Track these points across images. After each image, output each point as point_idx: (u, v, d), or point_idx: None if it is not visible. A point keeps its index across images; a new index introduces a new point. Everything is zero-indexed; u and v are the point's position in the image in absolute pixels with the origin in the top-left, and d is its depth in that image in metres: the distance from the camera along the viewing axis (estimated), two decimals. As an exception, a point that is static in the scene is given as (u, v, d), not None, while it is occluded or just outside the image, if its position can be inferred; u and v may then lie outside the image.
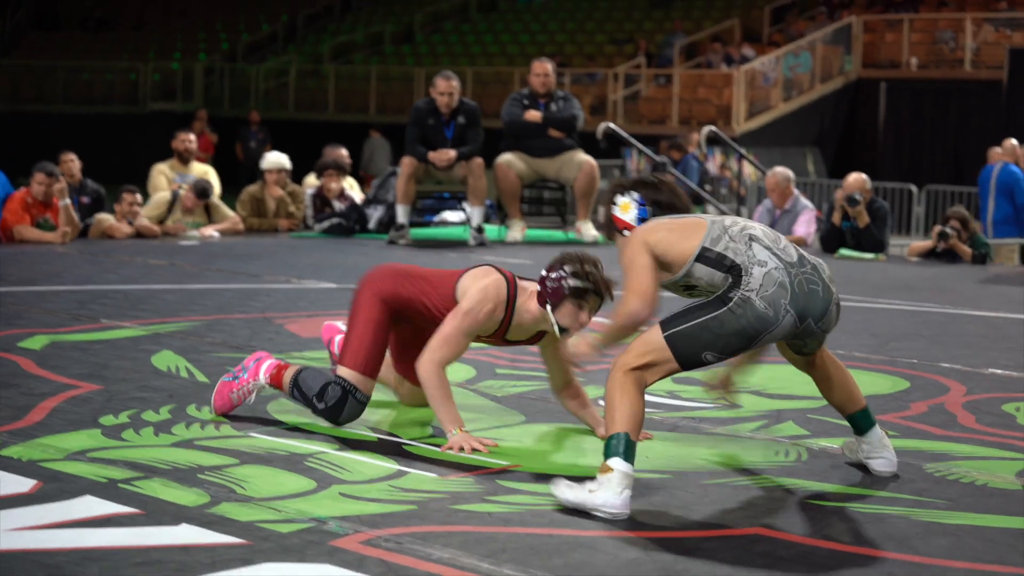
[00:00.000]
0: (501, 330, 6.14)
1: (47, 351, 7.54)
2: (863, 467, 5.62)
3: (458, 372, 7.35)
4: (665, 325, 5.14)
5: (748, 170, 21.22)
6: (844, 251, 14.22)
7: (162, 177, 15.05)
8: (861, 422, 5.62)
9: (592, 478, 4.97)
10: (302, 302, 9.72)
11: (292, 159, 15.15)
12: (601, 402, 6.17)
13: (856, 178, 14.27)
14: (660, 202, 5.52)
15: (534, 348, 6.35)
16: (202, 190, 14.24)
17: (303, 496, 5.01)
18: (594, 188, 14.30)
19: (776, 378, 7.50)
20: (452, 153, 13.55)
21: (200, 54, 37.05)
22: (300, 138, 28.04)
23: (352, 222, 14.51)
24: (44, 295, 9.68)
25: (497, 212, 15.43)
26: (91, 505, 4.78)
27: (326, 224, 14.47)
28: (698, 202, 20.04)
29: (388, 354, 6.35)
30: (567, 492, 4.98)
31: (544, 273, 5.98)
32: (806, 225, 14.98)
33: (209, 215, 14.34)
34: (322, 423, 6.13)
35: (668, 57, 29.64)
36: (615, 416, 5.06)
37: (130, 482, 5.07)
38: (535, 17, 34.69)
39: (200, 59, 36.47)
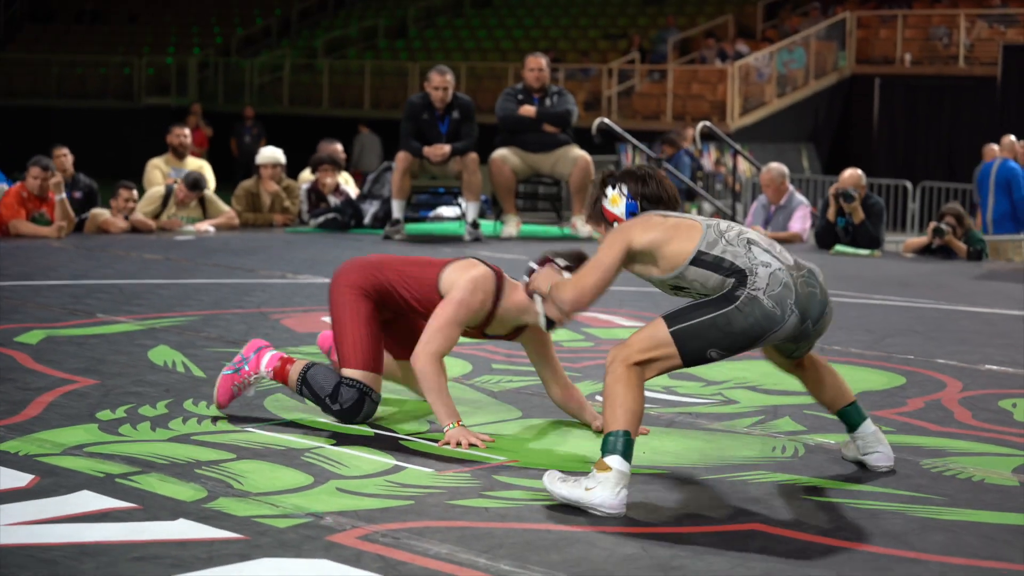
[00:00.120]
0: (484, 323, 6.14)
1: (43, 346, 7.53)
2: (861, 464, 5.62)
3: (454, 367, 7.34)
4: (671, 320, 5.14)
5: (743, 166, 21.22)
6: (839, 247, 14.22)
7: (157, 172, 15.04)
8: (852, 416, 5.62)
9: (588, 474, 4.97)
10: (297, 297, 9.71)
11: (287, 154, 15.13)
12: (599, 397, 6.18)
13: (851, 174, 14.27)
14: (648, 195, 5.53)
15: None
16: (194, 182, 14.22)
17: (300, 491, 5.01)
18: (589, 183, 14.29)
19: (772, 374, 7.49)
20: (447, 148, 13.54)
21: (194, 48, 37.01)
22: (295, 133, 28.03)
23: (347, 217, 14.50)
24: (40, 289, 9.67)
25: (492, 207, 15.42)
26: (88, 500, 4.78)
27: (321, 219, 14.46)
28: (691, 197, 20.07)
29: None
30: (561, 487, 4.98)
31: (533, 266, 5.98)
32: (801, 221, 14.98)
33: (204, 210, 14.32)
34: (320, 418, 6.13)
35: (662, 53, 29.64)
36: (616, 412, 5.05)
37: (127, 477, 5.08)
38: (529, 12, 34.69)
39: (194, 53, 36.44)
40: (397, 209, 13.77)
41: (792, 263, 5.25)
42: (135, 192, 14.10)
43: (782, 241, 14.66)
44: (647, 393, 6.64)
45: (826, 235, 14.42)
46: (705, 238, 5.22)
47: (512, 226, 14.33)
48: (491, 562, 4.29)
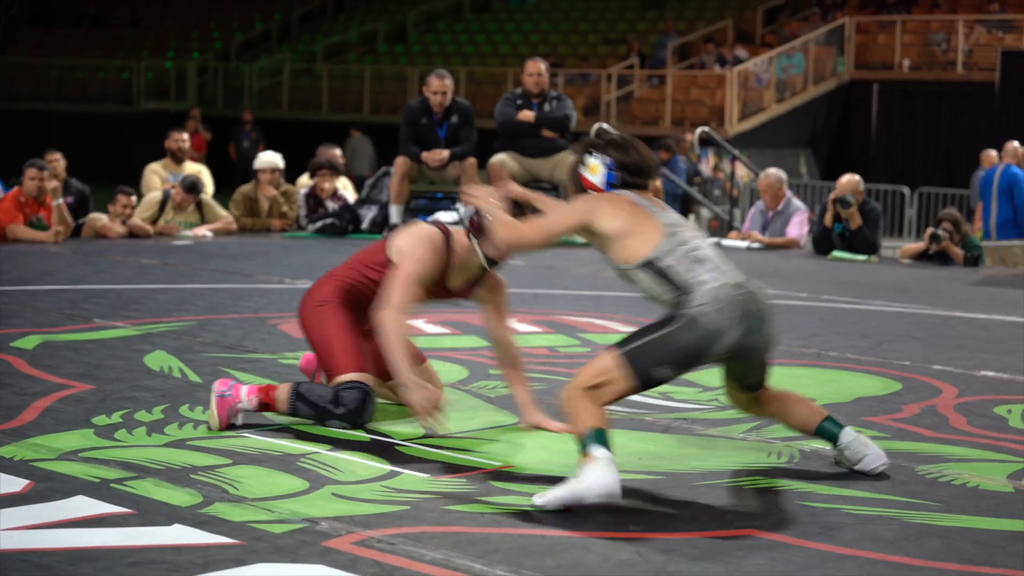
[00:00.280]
0: (443, 275, 6.20)
1: (39, 351, 7.54)
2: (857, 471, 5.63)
3: (451, 373, 7.36)
4: (618, 346, 5.23)
5: (741, 171, 21.23)
6: (836, 253, 14.23)
7: (155, 177, 15.05)
8: (830, 431, 5.63)
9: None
10: (295, 302, 9.63)
11: (285, 159, 15.14)
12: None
13: (849, 179, 14.28)
14: (629, 165, 5.57)
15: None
16: (191, 185, 14.23)
17: (296, 496, 5.02)
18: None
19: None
20: (445, 153, 13.55)
21: (193, 53, 37.02)
22: (293, 138, 28.04)
23: (345, 222, 14.51)
24: (36, 294, 9.67)
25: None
26: (84, 505, 4.78)
27: (319, 224, 14.47)
28: (687, 202, 20.09)
29: None
30: (553, 493, 4.98)
31: (469, 223, 6.11)
32: (798, 227, 15.00)
33: (202, 215, 14.33)
34: (315, 424, 6.13)
35: (661, 58, 29.66)
36: (581, 418, 5.12)
37: (123, 482, 5.08)
38: (528, 17, 34.71)
39: (193, 58, 36.46)
40: (395, 214, 13.78)
41: (736, 280, 5.31)
42: (133, 198, 14.11)
43: (780, 247, 14.69)
44: (643, 399, 6.67)
45: (823, 241, 14.43)
46: (660, 247, 5.31)
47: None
48: (487, 567, 4.30)
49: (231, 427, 6.00)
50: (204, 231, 14.09)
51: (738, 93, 26.86)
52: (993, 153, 18.96)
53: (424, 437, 6.02)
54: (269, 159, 14.90)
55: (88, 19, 39.77)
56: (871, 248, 14.22)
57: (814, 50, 27.69)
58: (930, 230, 14.38)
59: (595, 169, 5.59)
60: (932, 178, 24.13)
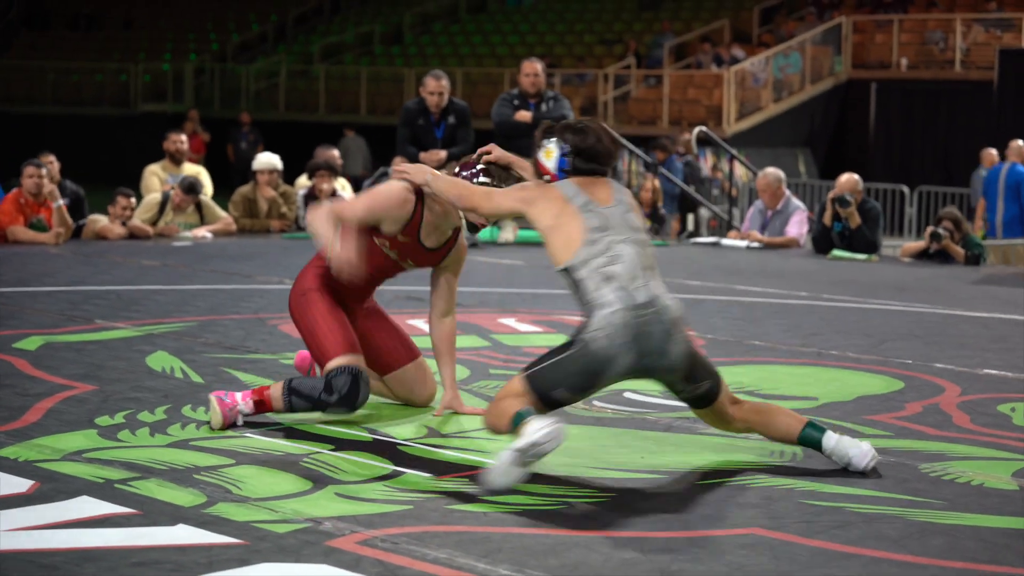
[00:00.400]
0: (415, 222, 6.19)
1: (41, 352, 7.53)
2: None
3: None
4: (525, 370, 5.46)
5: (739, 171, 21.24)
6: (836, 252, 14.24)
7: (155, 178, 15.05)
8: (813, 435, 5.63)
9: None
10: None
11: (283, 160, 15.14)
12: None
13: (848, 178, 14.29)
14: (583, 149, 5.66)
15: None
16: (189, 185, 14.23)
17: (299, 496, 5.01)
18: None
19: (769, 379, 7.52)
20: (443, 154, 13.54)
21: (190, 55, 37.02)
22: (291, 139, 28.03)
23: (344, 223, 14.47)
24: (38, 296, 9.67)
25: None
26: (88, 505, 4.78)
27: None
28: (684, 202, 20.07)
29: None
30: (500, 460, 5.10)
31: (457, 170, 6.07)
32: (798, 226, 15.00)
33: (201, 216, 14.33)
34: (319, 424, 6.13)
35: (658, 58, 29.66)
36: (503, 415, 5.34)
37: (126, 482, 5.07)
38: (524, 18, 34.71)
39: (190, 59, 36.45)
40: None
41: (642, 301, 5.39)
42: (133, 199, 14.12)
43: (779, 246, 14.69)
44: (644, 398, 6.68)
45: (823, 240, 14.44)
46: (578, 255, 5.45)
47: (509, 231, 14.34)
48: (490, 566, 4.30)
49: (233, 426, 6.00)
50: (203, 232, 14.08)
51: (735, 93, 26.87)
52: (993, 151, 18.97)
53: (426, 437, 6.01)
54: (267, 160, 14.90)
55: (84, 22, 39.76)
56: (871, 247, 14.22)
57: (811, 49, 27.69)
58: (930, 229, 14.39)
59: (549, 153, 5.70)
60: (930, 177, 24.14)
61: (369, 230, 6.18)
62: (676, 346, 5.43)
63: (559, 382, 5.38)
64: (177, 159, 15.18)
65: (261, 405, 6.08)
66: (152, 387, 6.76)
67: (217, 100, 34.63)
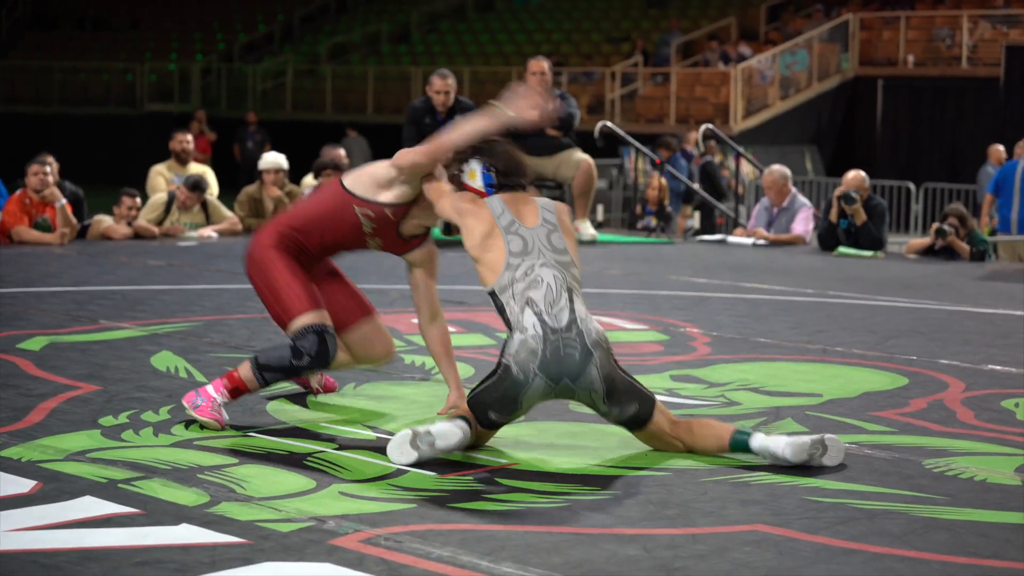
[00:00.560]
0: (410, 203, 6.18)
1: (46, 352, 7.54)
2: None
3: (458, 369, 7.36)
4: (470, 391, 5.73)
5: (746, 168, 21.23)
6: (842, 249, 14.23)
7: (160, 178, 15.06)
8: (744, 441, 5.64)
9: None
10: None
11: (290, 159, 15.14)
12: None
13: (855, 175, 14.27)
14: (499, 168, 5.86)
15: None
16: (194, 183, 14.24)
17: (303, 495, 5.02)
18: (592, 187, 14.28)
19: (774, 376, 7.52)
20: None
21: (197, 54, 37.05)
22: (298, 138, 28.05)
23: (350, 222, 14.48)
24: (42, 296, 9.68)
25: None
26: (91, 505, 4.78)
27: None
28: (688, 199, 20.06)
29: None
30: (401, 434, 5.42)
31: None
32: (804, 223, 14.99)
33: (207, 216, 14.33)
34: (322, 423, 6.14)
35: (665, 56, 29.65)
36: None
37: (130, 482, 5.08)
38: (532, 16, 34.71)
39: (197, 59, 36.48)
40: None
41: (561, 325, 5.56)
42: (138, 199, 14.13)
43: (785, 243, 14.68)
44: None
45: (829, 237, 14.42)
46: (500, 280, 5.65)
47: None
48: (493, 564, 4.30)
49: (246, 425, 6.01)
50: (209, 232, 14.09)
51: (742, 90, 26.85)
52: (1000, 148, 18.93)
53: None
54: (273, 160, 14.91)
55: (90, 22, 39.80)
56: (876, 244, 14.21)
57: (818, 47, 27.67)
58: (936, 225, 14.37)
59: (473, 175, 5.90)
60: (937, 173, 24.11)
61: (352, 198, 6.16)
62: (594, 369, 5.55)
63: (490, 406, 5.60)
64: (183, 159, 15.19)
65: (236, 392, 6.06)
66: (156, 387, 6.77)
67: (224, 100, 34.66)
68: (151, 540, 4.44)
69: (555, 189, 14.91)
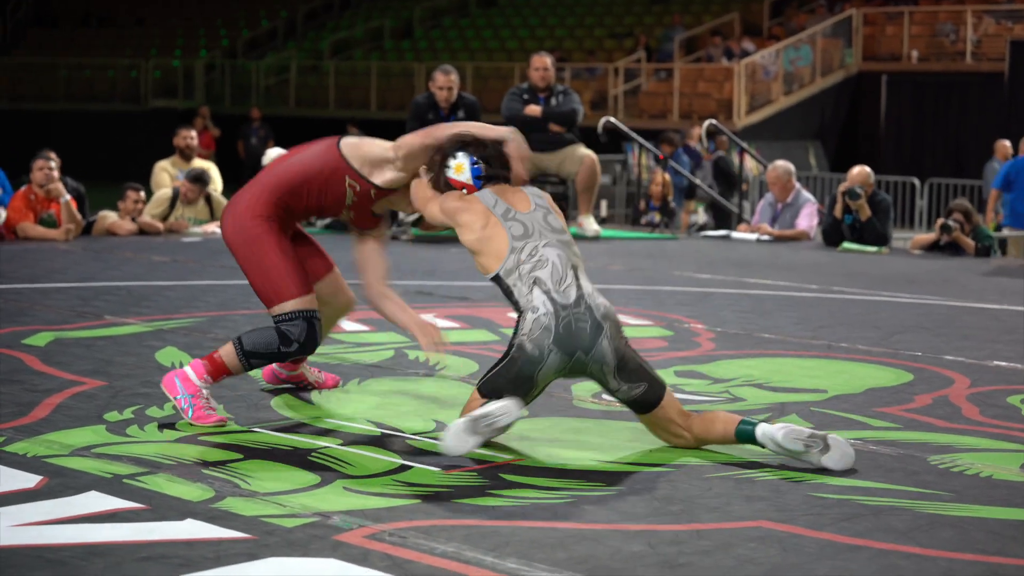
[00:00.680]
0: (389, 192, 6.18)
1: (51, 348, 7.55)
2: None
3: (460, 366, 7.37)
4: (480, 378, 5.75)
5: (750, 164, 21.22)
6: (846, 244, 14.22)
7: (164, 174, 15.07)
8: (748, 432, 5.64)
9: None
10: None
11: (294, 155, 15.10)
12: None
13: (860, 171, 14.26)
14: (488, 157, 5.88)
15: None
16: (196, 176, 14.25)
17: (307, 491, 5.02)
18: (595, 182, 14.29)
19: (779, 371, 7.52)
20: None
21: (201, 51, 37.05)
22: (301, 134, 27.93)
23: (354, 218, 14.48)
24: (48, 292, 9.69)
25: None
26: (96, 500, 4.79)
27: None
28: (691, 194, 20.05)
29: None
30: (456, 425, 5.39)
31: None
32: (808, 218, 14.99)
33: (212, 212, 14.34)
34: (327, 418, 6.14)
35: (668, 51, 29.65)
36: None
37: (135, 477, 5.08)
38: (534, 12, 34.70)
39: (201, 56, 36.49)
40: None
41: (570, 301, 5.61)
42: (143, 194, 14.14)
43: (790, 239, 14.67)
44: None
45: (833, 232, 14.41)
46: (505, 264, 5.68)
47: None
48: (498, 560, 4.30)
49: (250, 420, 6.02)
50: (214, 228, 14.09)
51: (746, 86, 26.85)
52: (1006, 143, 18.91)
53: (433, 431, 6.02)
54: (277, 155, 14.86)
55: (94, 19, 39.82)
56: (881, 239, 14.20)
57: (821, 42, 27.66)
58: (941, 221, 14.36)
59: (460, 168, 5.88)
60: (941, 169, 24.10)
61: (348, 168, 6.12)
62: (606, 340, 5.61)
63: (503, 387, 5.61)
64: (187, 155, 15.19)
65: (218, 375, 6.03)
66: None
67: (228, 96, 34.67)
68: (156, 535, 4.45)
69: (559, 185, 14.92)
